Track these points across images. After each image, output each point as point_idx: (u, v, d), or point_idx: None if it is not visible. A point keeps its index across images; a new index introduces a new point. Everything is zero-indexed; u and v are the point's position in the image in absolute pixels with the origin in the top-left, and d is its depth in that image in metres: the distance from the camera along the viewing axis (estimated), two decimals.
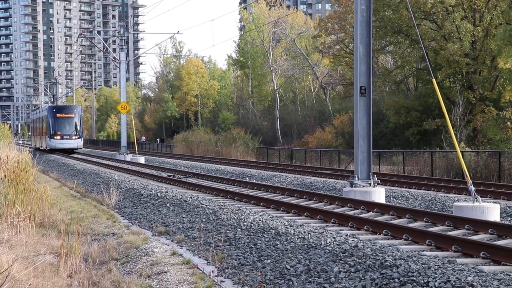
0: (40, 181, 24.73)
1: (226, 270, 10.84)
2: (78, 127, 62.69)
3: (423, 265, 9.01)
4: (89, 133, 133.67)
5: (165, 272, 11.00)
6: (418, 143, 46.76)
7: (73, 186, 28.15)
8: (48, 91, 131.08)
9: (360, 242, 11.19)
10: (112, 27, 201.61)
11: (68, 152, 62.46)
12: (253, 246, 12.09)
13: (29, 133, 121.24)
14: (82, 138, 64.64)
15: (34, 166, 20.90)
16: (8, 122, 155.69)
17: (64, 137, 61.59)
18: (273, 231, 12.87)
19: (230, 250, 12.13)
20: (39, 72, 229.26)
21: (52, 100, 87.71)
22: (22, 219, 15.95)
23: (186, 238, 13.94)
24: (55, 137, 61.53)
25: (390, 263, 9.30)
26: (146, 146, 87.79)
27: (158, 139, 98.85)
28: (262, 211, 16.58)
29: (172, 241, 13.94)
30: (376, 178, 20.63)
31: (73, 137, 62.01)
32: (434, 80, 18.65)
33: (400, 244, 11.93)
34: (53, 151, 62.91)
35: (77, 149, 63.83)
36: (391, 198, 20.35)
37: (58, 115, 62.22)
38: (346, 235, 12.14)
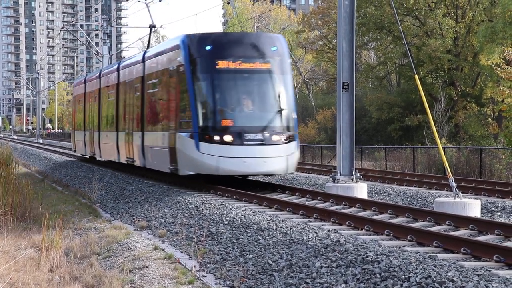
0: (21, 175, 24.61)
1: (208, 265, 10.83)
2: (286, 106, 19.10)
3: (404, 261, 9.06)
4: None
5: (147, 267, 10.98)
6: (400, 139, 46.95)
7: (55, 179, 28.03)
8: (30, 84, 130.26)
9: (342, 237, 11.22)
10: (95, 20, 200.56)
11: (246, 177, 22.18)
12: (235, 241, 12.08)
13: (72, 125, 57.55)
14: (297, 141, 19.67)
15: (15, 159, 20.78)
16: None
17: (247, 137, 18.25)
18: (256, 226, 12.87)
19: (212, 245, 12.11)
20: (21, 65, 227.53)
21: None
22: (3, 213, 15.85)
23: (168, 232, 13.92)
24: (215, 137, 18.17)
25: (371, 258, 9.34)
26: None
27: None
28: (244, 206, 16.55)
29: (154, 235, 13.91)
30: (359, 173, 20.63)
31: (274, 137, 18.53)
32: (416, 76, 18.75)
33: (382, 240, 11.96)
34: (209, 178, 20.07)
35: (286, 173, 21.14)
36: (373, 194, 20.41)
37: (220, 63, 18.48)
38: (328, 231, 12.16)
